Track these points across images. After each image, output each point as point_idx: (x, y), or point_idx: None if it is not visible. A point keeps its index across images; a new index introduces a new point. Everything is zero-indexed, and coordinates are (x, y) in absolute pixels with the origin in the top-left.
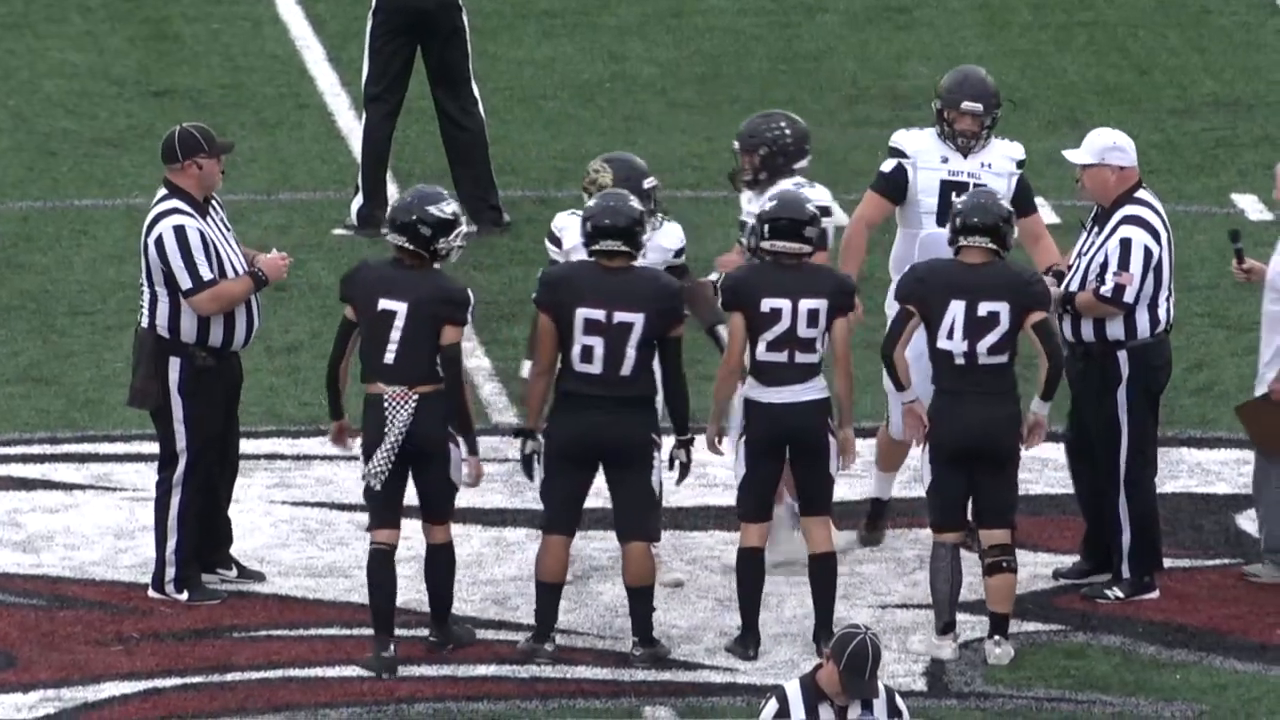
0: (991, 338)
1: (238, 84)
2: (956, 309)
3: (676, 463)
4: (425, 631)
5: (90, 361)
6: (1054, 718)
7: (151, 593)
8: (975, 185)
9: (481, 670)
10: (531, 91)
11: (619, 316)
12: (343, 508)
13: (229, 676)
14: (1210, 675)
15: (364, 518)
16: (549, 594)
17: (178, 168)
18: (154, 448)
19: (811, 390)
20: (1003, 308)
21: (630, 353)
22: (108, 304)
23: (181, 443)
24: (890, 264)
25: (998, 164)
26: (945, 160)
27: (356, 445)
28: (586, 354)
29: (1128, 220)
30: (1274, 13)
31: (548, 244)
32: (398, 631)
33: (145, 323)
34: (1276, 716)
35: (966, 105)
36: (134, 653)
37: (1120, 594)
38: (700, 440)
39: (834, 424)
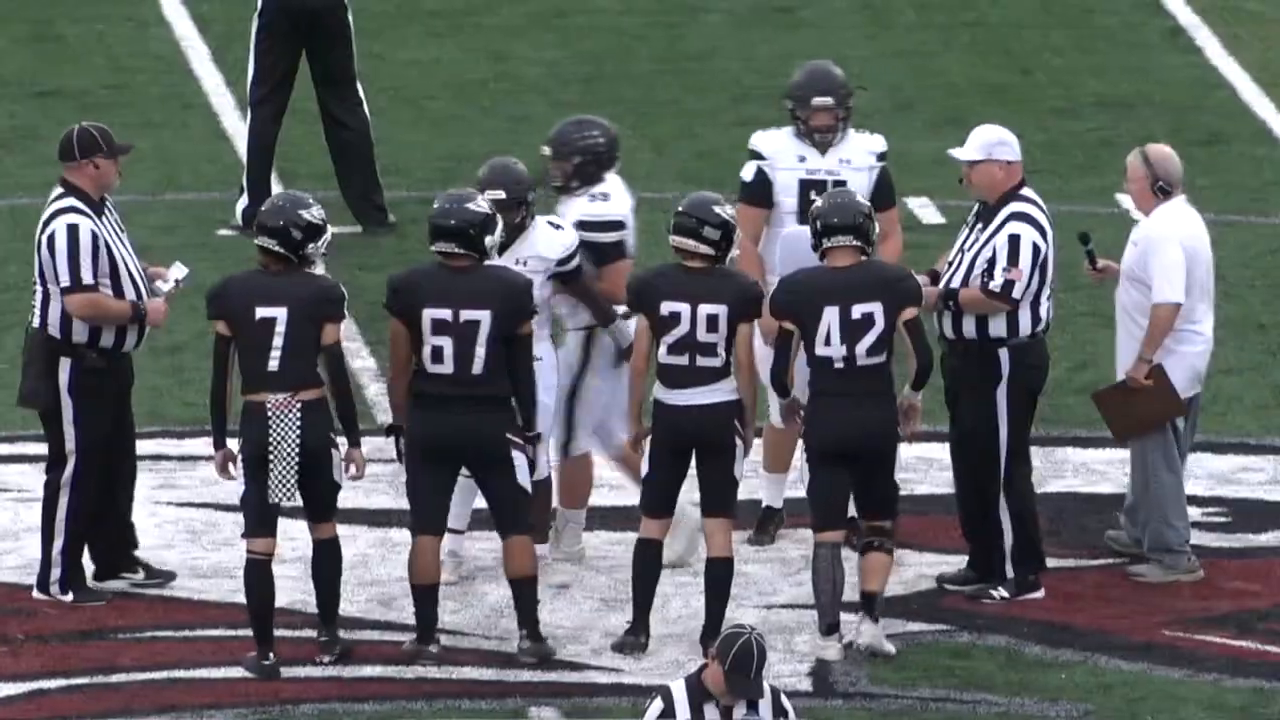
0: (869, 339)
1: (123, 84)
2: (831, 315)
3: (525, 459)
4: (311, 632)
5: None
6: (939, 717)
7: (36, 594)
8: (834, 183)
9: (367, 671)
10: (416, 92)
11: (465, 315)
12: (227, 509)
13: (114, 678)
14: (1095, 675)
15: None
16: (426, 595)
17: (74, 166)
18: (38, 448)
19: (718, 392)
20: (876, 308)
21: (479, 351)
22: None
23: (71, 443)
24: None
25: (857, 159)
26: (803, 159)
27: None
28: (437, 354)
29: (1016, 217)
30: (1157, 13)
31: None
32: (284, 632)
33: (36, 322)
34: (1161, 716)
35: (817, 101)
36: (18, 654)
37: (1005, 594)
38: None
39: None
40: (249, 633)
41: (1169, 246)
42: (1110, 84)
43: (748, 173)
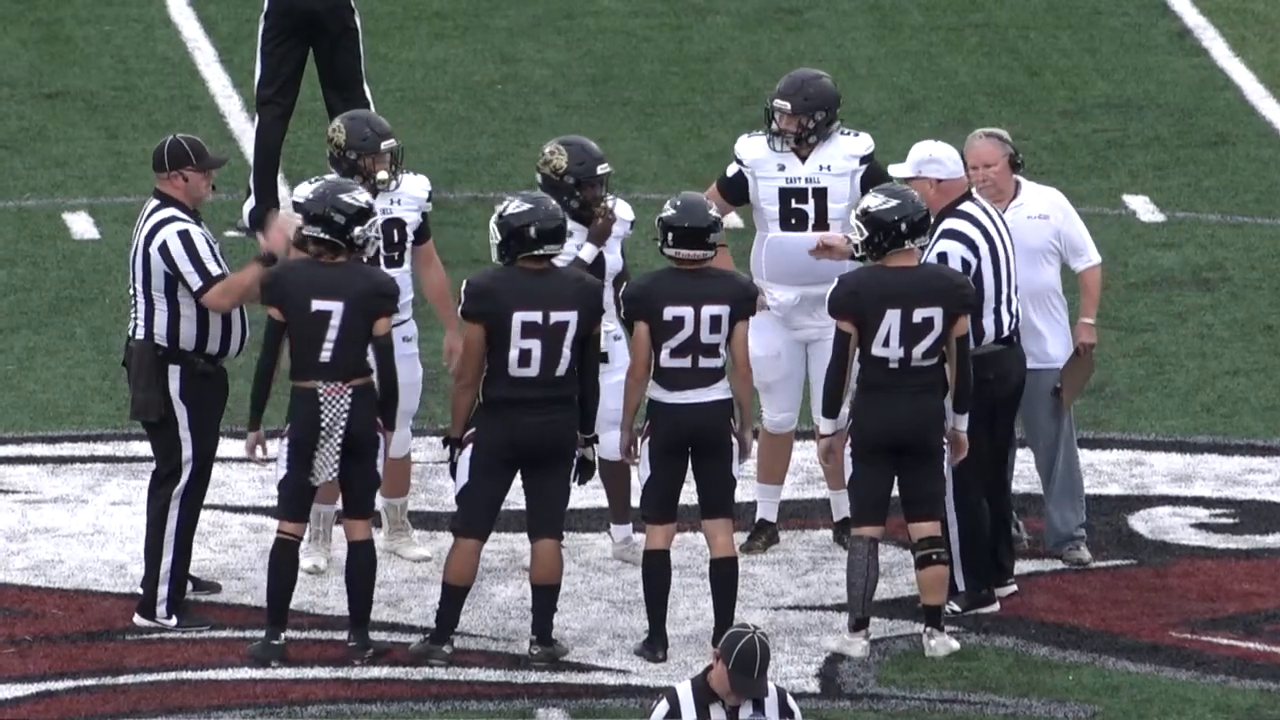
0: (926, 342)
1: (130, 86)
2: (892, 317)
3: (579, 461)
4: (319, 634)
5: None
6: (947, 719)
7: (139, 619)
8: (814, 190)
9: (375, 672)
10: (423, 93)
11: (555, 316)
12: (235, 510)
13: (121, 679)
14: (1103, 676)
15: (257, 520)
16: (455, 597)
17: (165, 177)
18: (46, 450)
19: (715, 391)
20: (936, 312)
21: (565, 352)
22: None
23: (188, 451)
24: (750, 264)
25: (837, 164)
26: (782, 168)
27: (267, 451)
28: (524, 358)
29: (944, 234)
30: (1164, 14)
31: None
32: (291, 634)
33: (140, 334)
34: (1169, 717)
35: (776, 103)
36: (26, 655)
37: (956, 607)
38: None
39: (735, 425)
40: (256, 634)
41: (1075, 213)
42: (1117, 85)
43: (730, 170)
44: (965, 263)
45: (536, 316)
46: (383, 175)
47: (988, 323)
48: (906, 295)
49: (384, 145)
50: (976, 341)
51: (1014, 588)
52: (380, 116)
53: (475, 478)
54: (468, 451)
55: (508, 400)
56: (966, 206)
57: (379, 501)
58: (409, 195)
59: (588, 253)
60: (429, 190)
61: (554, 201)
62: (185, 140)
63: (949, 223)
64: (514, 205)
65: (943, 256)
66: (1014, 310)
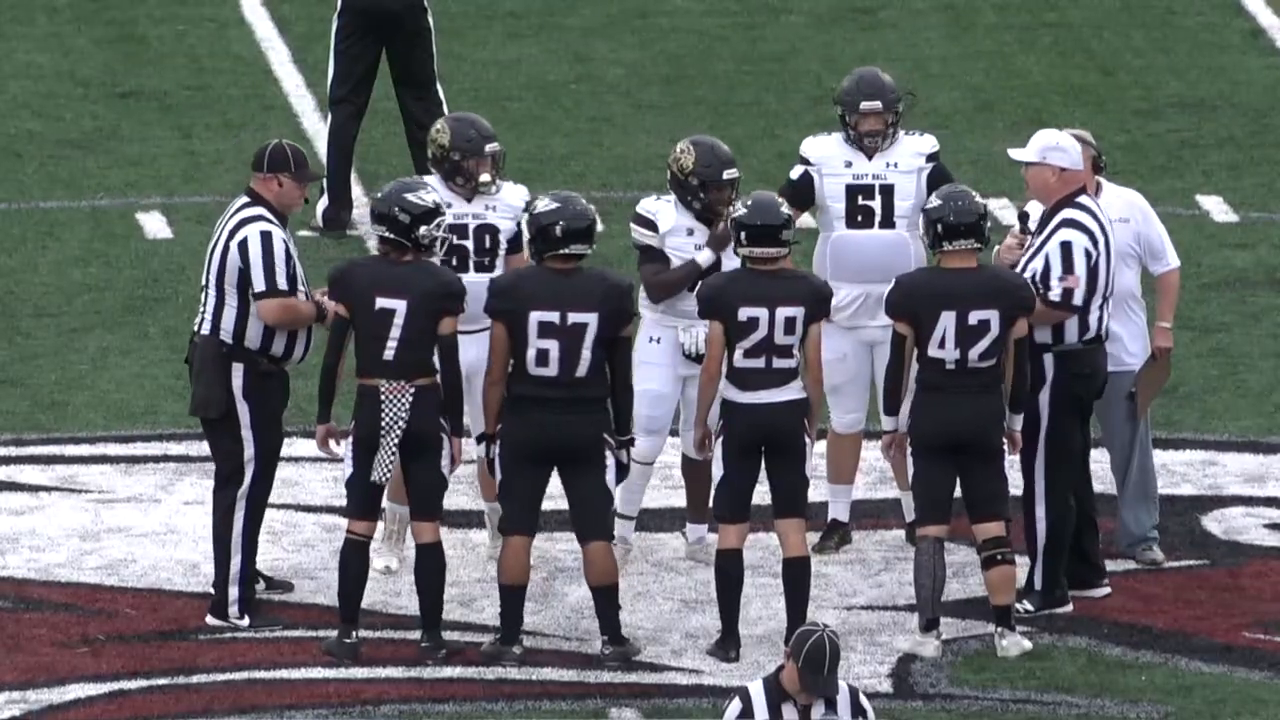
0: (983, 344)
1: (203, 85)
2: (947, 319)
3: (616, 463)
4: (391, 633)
5: (55, 364)
6: (1019, 719)
7: (211, 619)
8: (881, 187)
9: (447, 672)
10: (496, 92)
11: (573, 318)
12: (308, 509)
13: (194, 678)
14: (1176, 677)
15: (330, 519)
16: (513, 596)
17: (260, 177)
18: (119, 449)
19: (788, 391)
20: (993, 314)
21: (585, 354)
22: (73, 306)
23: (251, 450)
24: (814, 264)
25: (904, 162)
26: (849, 165)
27: (339, 447)
28: (542, 357)
29: (1066, 224)
30: (1238, 14)
31: (638, 228)
32: (364, 633)
33: (206, 329)
34: (1242, 718)
35: (865, 105)
36: (99, 654)
37: (1030, 607)
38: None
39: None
40: (329, 633)
41: (1155, 216)
42: (1191, 85)
43: (794, 173)
44: (1088, 254)
45: (554, 317)
46: (485, 177)
47: (1092, 319)
48: (962, 297)
49: (488, 148)
50: (1079, 336)
51: (1108, 589)
52: (483, 119)
53: (508, 475)
54: (497, 448)
55: (529, 398)
56: (1085, 200)
57: (484, 507)
58: (505, 203)
59: (704, 257)
60: (526, 200)
61: (584, 201)
62: (289, 146)
63: (1070, 213)
64: (543, 203)
65: (1066, 246)
66: (1109, 311)
